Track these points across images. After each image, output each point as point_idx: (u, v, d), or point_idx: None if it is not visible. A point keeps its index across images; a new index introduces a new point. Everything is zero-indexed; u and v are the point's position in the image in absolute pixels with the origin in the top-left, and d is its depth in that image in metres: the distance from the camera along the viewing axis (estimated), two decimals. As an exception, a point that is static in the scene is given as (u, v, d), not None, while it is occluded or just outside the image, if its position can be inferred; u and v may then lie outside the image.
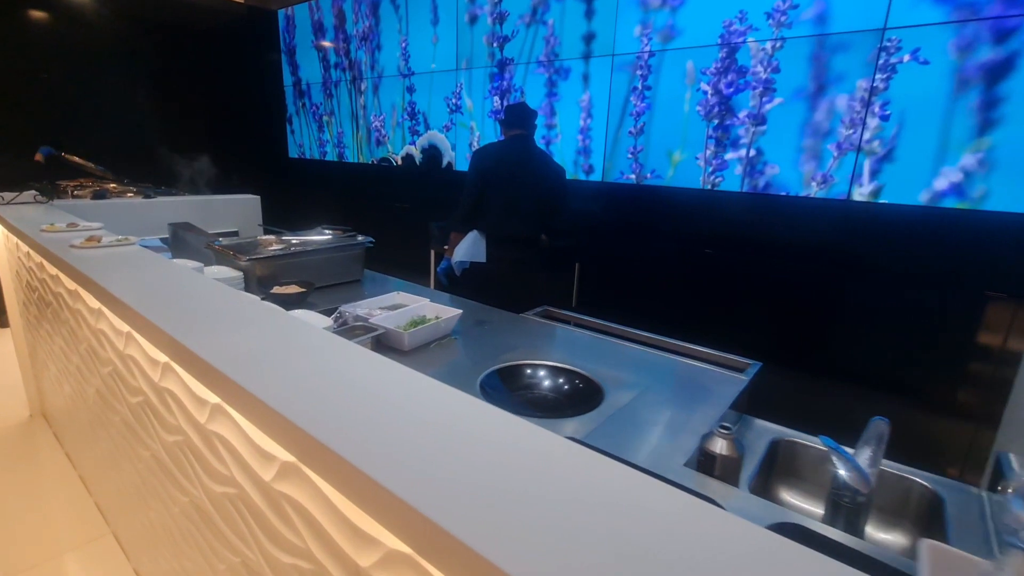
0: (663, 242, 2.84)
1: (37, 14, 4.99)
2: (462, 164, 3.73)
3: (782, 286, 2.47)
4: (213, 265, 1.80)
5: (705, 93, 2.55)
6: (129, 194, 3.47)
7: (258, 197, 3.22)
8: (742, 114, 2.46)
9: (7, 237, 2.33)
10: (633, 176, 2.87)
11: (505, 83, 3.34)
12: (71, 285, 1.53)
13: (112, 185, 3.89)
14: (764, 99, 2.39)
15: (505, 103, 3.35)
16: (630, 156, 2.85)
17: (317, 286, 1.85)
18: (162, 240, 2.81)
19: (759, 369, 1.40)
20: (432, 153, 3.90)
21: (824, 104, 2.24)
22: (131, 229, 2.73)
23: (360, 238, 2.10)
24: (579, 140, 3.06)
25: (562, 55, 3.04)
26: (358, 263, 2.11)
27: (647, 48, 2.68)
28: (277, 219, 3.60)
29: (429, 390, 0.73)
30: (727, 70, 2.47)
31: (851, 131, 2.20)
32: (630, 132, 2.83)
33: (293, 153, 5.26)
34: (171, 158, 5.66)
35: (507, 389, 1.26)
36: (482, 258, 2.45)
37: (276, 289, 1.73)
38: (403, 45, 3.92)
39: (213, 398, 0.91)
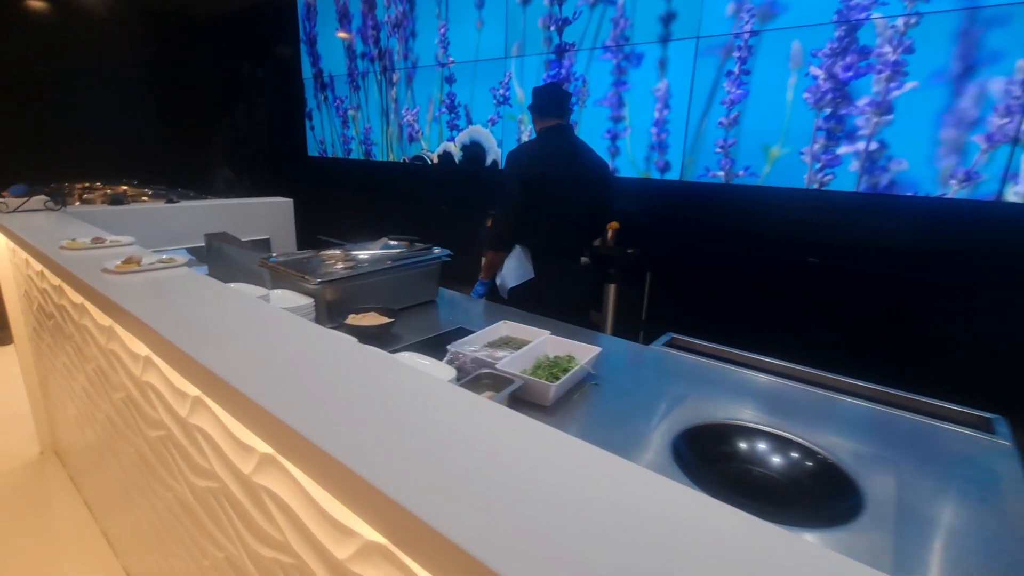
0: (754, 248, 2.52)
1: (33, 3, 4.63)
2: (509, 162, 3.39)
3: (908, 301, 2.15)
4: (275, 289, 1.47)
5: (815, 78, 2.22)
6: (144, 198, 3.12)
7: (291, 200, 2.88)
8: (862, 102, 2.13)
9: (14, 251, 1.99)
10: (722, 174, 2.54)
11: (563, 71, 3.01)
12: (103, 320, 1.20)
13: (125, 188, 3.55)
14: (891, 84, 2.06)
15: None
16: (719, 151, 2.52)
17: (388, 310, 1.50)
18: (189, 250, 2.48)
19: (1005, 425, 1.08)
20: (474, 150, 3.57)
21: (971, 89, 1.92)
22: (154, 239, 2.39)
23: (436, 251, 1.77)
24: (653, 134, 2.73)
25: (634, 39, 2.71)
26: (433, 281, 1.78)
27: (747, 27, 2.35)
28: (297, 222, 3.25)
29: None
30: (845, 51, 2.14)
31: (1006, 120, 1.87)
32: (720, 123, 2.50)
33: (313, 151, 4.91)
34: (180, 157, 5.32)
35: (705, 460, 0.94)
36: (531, 275, 2.15)
37: (352, 319, 1.40)
38: (442, 31, 3.58)
39: (370, 532, 0.58)
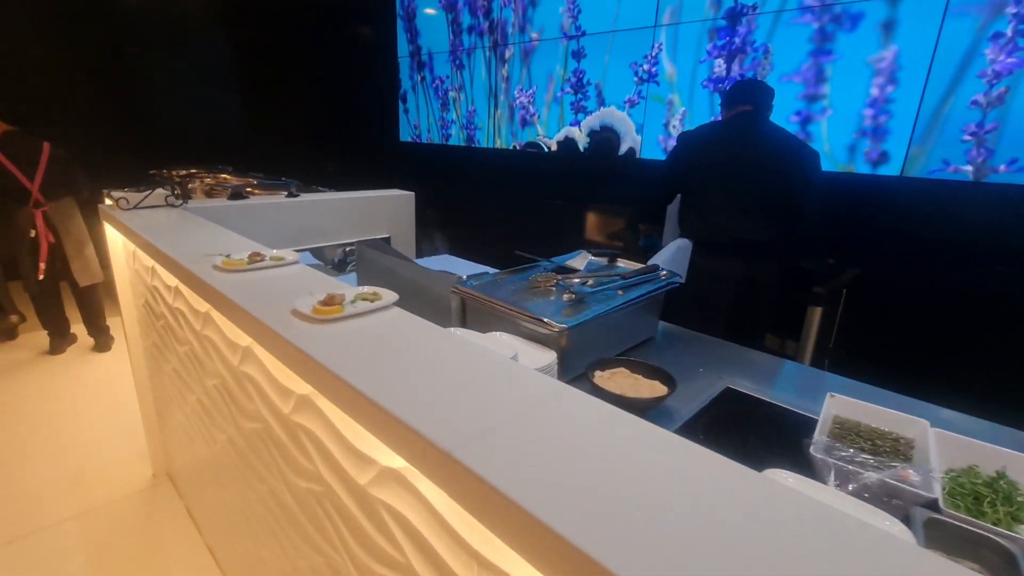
0: (1018, 271, 1.95)
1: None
2: (651, 151, 2.91)
3: None
4: (499, 332, 1.08)
5: None
6: (250, 188, 2.85)
7: (412, 194, 2.53)
8: None
9: (133, 255, 1.70)
10: (969, 168, 1.97)
11: (738, 40, 2.48)
12: (299, 386, 0.84)
13: (226, 176, 3.32)
14: None
15: (736, 68, 2.50)
16: (968, 138, 1.95)
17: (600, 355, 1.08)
18: (312, 252, 2.16)
19: None
20: (605, 136, 3.10)
21: None
22: (275, 238, 2.08)
23: (664, 273, 1.34)
24: (865, 116, 2.17)
25: (847, -5, 2.15)
26: (655, 313, 1.35)
27: (1033, -27, 1.76)
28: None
29: None
30: None
31: None
32: (973, 103, 1.92)
33: (405, 136, 4.58)
34: (267, 141, 5.10)
35: None
36: (681, 277, 1.76)
37: (600, 379, 0.99)
38: (571, -2, 3.10)
39: None
